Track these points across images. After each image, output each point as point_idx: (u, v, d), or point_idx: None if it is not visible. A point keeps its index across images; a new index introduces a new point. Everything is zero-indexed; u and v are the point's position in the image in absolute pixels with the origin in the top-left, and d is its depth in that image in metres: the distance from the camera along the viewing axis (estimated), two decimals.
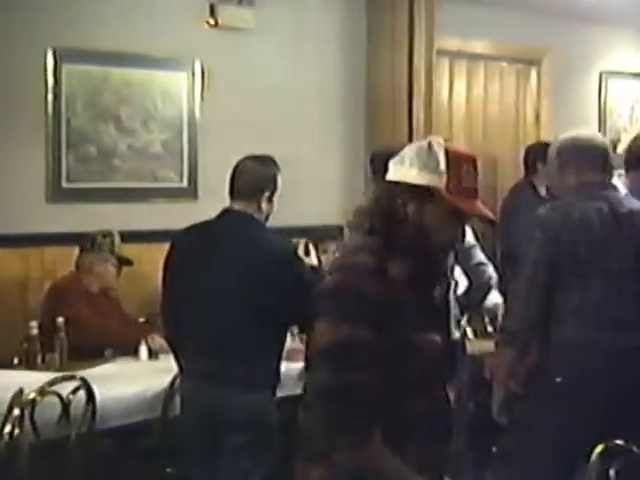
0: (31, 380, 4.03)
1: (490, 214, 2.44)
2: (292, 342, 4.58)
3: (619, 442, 2.91)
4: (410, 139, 6.42)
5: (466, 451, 4.79)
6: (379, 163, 4.55)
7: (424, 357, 2.36)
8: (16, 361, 4.69)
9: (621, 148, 8.69)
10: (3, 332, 4.98)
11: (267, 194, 3.95)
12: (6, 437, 3.65)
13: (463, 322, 5.01)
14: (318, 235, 5.78)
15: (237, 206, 3.93)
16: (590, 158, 3.81)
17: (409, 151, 2.44)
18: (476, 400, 4.97)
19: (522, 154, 6.86)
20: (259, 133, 6.08)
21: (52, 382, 3.90)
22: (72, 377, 4.04)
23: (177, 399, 4.16)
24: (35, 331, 4.64)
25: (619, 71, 8.64)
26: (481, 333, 5.94)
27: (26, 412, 3.73)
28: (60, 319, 4.65)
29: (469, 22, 7.18)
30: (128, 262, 5.27)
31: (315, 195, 6.55)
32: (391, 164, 2.48)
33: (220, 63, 6.12)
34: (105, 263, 5.17)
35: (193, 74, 6.07)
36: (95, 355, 4.81)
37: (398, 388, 2.32)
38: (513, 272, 3.95)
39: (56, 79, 5.58)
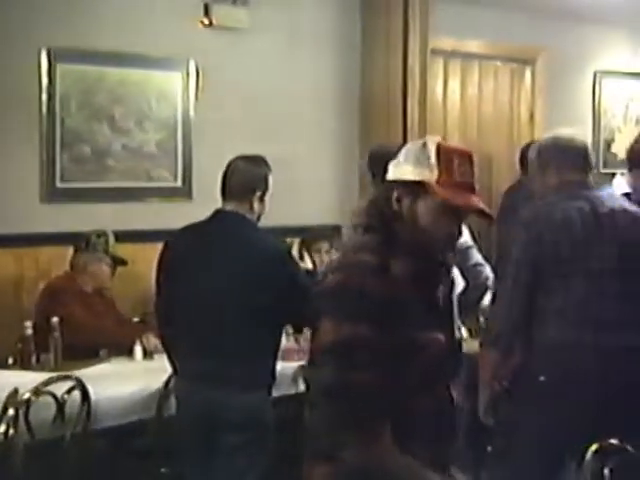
0: (26, 380, 4.03)
1: (484, 207, 2.44)
2: (287, 342, 4.58)
3: (613, 441, 2.91)
4: (404, 139, 6.42)
5: (465, 450, 4.79)
6: (376, 162, 4.56)
7: (428, 356, 2.37)
8: (11, 361, 4.69)
9: (615, 147, 8.73)
10: None
11: (259, 194, 3.95)
12: (1, 437, 3.64)
13: (459, 322, 5.01)
14: (312, 235, 5.79)
15: (229, 207, 3.94)
16: (571, 158, 3.81)
17: (405, 150, 2.47)
18: (471, 399, 4.97)
19: (517, 153, 6.88)
20: (253, 133, 6.09)
21: (47, 382, 3.90)
22: (67, 377, 4.04)
23: (172, 399, 4.16)
24: (30, 331, 4.64)
25: (613, 71, 8.65)
26: (476, 333, 5.94)
27: (21, 412, 3.73)
28: (55, 319, 4.65)
29: (463, 22, 7.19)
30: (122, 262, 5.27)
31: (309, 195, 6.56)
32: (390, 165, 2.50)
33: (215, 63, 6.12)
34: (99, 263, 5.17)
35: (187, 74, 6.07)
36: (90, 355, 4.80)
37: (402, 386, 2.33)
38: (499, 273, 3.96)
39: (50, 79, 5.58)
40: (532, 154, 3.99)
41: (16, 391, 3.77)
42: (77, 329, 4.76)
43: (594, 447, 2.89)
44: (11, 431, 3.66)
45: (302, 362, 4.61)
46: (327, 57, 6.71)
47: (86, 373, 4.32)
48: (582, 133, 3.97)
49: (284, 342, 4.27)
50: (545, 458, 3.62)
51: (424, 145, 2.42)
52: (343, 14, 6.75)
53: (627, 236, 3.72)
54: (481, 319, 6.00)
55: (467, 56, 7.65)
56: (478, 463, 4.79)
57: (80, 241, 5.19)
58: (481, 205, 2.43)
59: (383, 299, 2.30)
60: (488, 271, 4.76)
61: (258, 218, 3.98)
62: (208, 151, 5.91)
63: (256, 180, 3.96)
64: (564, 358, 3.62)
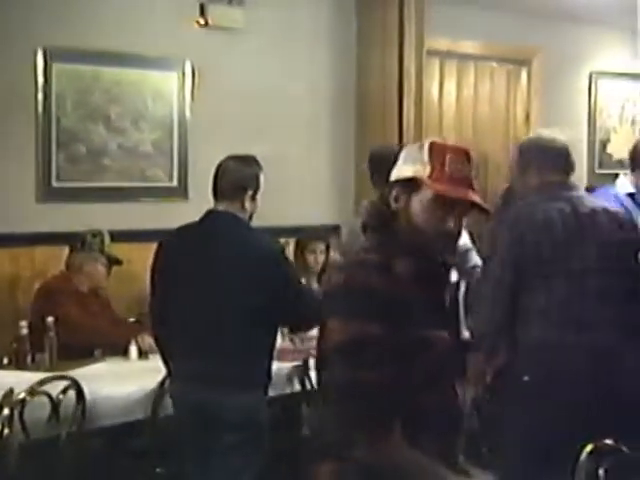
0: (21, 380, 4.02)
1: (478, 200, 2.44)
2: (282, 342, 4.59)
3: (608, 442, 2.91)
4: (400, 139, 6.43)
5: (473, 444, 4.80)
6: (377, 162, 4.57)
7: (433, 354, 2.39)
8: (6, 361, 4.68)
9: (610, 148, 8.74)
10: None
11: (250, 193, 3.95)
12: None
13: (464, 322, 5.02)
14: (307, 235, 5.80)
15: (221, 206, 3.94)
16: (552, 158, 3.82)
17: (403, 152, 2.52)
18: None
19: None
20: (249, 133, 6.09)
21: (42, 382, 3.89)
22: (62, 377, 4.04)
23: (167, 399, 4.16)
24: (25, 331, 4.63)
25: (609, 71, 8.66)
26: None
27: (16, 412, 3.72)
28: (50, 319, 4.65)
29: (459, 22, 7.20)
30: (117, 262, 5.27)
31: (305, 195, 6.56)
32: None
33: (210, 63, 6.12)
34: (95, 263, 5.17)
35: (183, 73, 6.07)
36: (85, 355, 4.80)
37: (408, 384, 2.34)
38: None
39: (46, 78, 5.58)
40: (513, 155, 4.00)
41: (11, 391, 3.76)
42: (72, 329, 4.75)
43: (589, 447, 2.90)
44: (6, 431, 3.66)
45: (297, 362, 4.62)
46: (323, 57, 6.71)
47: (81, 373, 4.32)
48: (570, 134, 3.98)
49: (279, 342, 4.27)
50: (530, 458, 3.62)
51: (420, 145, 2.47)
52: (339, 15, 6.75)
53: (608, 236, 3.74)
54: None
55: (463, 57, 7.65)
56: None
57: (76, 241, 5.19)
58: (475, 198, 2.43)
59: (388, 297, 2.32)
60: None
61: (250, 217, 3.98)
62: (204, 151, 5.90)
63: (247, 179, 3.96)
64: (547, 358, 3.63)
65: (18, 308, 5.25)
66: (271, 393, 4.05)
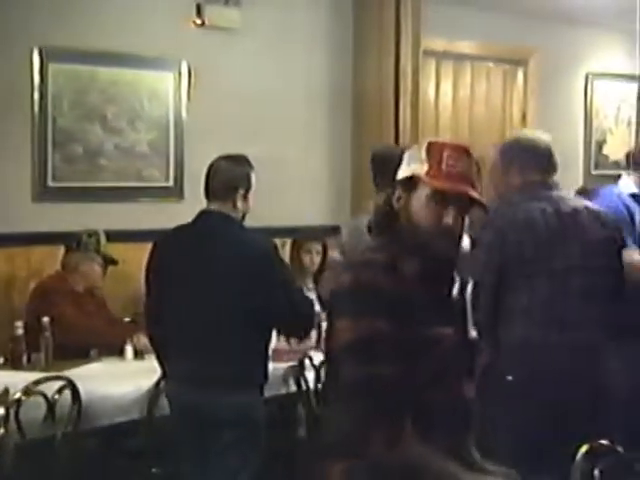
0: (16, 380, 4.02)
1: (473, 194, 2.47)
2: (277, 342, 4.58)
3: (604, 442, 2.92)
4: (396, 139, 6.44)
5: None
6: (379, 163, 4.56)
7: (439, 351, 2.43)
8: (1, 361, 4.67)
9: (606, 149, 8.75)
10: None
11: (241, 192, 3.94)
12: None
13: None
14: (304, 235, 5.79)
15: (213, 206, 3.95)
16: (534, 158, 3.83)
17: (406, 153, 2.59)
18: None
19: None
20: (245, 133, 6.09)
21: (37, 382, 3.89)
22: (58, 377, 4.03)
23: (163, 399, 4.16)
24: (20, 331, 4.62)
25: (605, 73, 8.68)
26: None
27: (11, 412, 3.72)
28: (45, 319, 4.64)
29: (456, 22, 7.21)
30: (113, 262, 5.26)
31: (301, 195, 6.57)
32: None
33: (207, 63, 6.12)
34: (91, 263, 5.16)
35: (180, 74, 6.07)
36: (81, 355, 4.79)
37: (416, 381, 2.37)
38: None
39: (42, 78, 5.58)
40: (496, 154, 4.01)
41: (7, 391, 3.76)
42: (68, 329, 4.75)
43: (584, 448, 2.90)
44: (1, 431, 3.64)
45: (292, 363, 4.61)
46: (319, 57, 6.71)
47: (77, 373, 4.32)
48: (547, 136, 3.98)
49: (274, 342, 4.27)
50: (514, 458, 3.62)
51: (420, 146, 2.52)
52: (335, 15, 6.75)
53: (590, 235, 3.76)
54: None
55: (459, 57, 7.66)
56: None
57: (71, 241, 5.18)
58: (472, 193, 2.46)
59: (394, 295, 2.37)
60: None
61: (243, 217, 3.98)
62: (200, 151, 5.88)
63: (238, 178, 3.96)
64: (531, 358, 3.64)
65: (14, 308, 5.25)
66: (266, 393, 4.04)
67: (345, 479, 2.38)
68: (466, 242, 4.54)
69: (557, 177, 3.88)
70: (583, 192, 5.77)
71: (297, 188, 6.53)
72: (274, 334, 4.18)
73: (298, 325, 4.04)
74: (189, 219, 4.01)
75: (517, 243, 3.66)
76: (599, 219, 3.82)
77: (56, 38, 5.59)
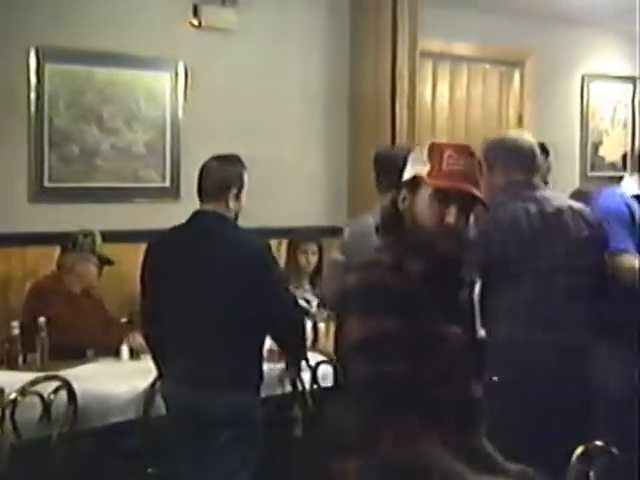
0: (12, 380, 4.02)
1: (473, 191, 2.50)
2: (271, 342, 4.58)
3: (599, 443, 2.92)
4: (393, 141, 6.44)
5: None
6: (382, 163, 4.55)
7: (446, 349, 2.46)
8: None
9: (603, 150, 8.76)
10: None
11: (234, 191, 3.95)
12: None
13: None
14: (300, 236, 5.80)
15: (207, 207, 3.96)
16: (517, 158, 3.84)
17: (410, 155, 2.63)
18: None
19: None
20: (242, 134, 6.09)
21: (33, 382, 3.89)
22: (54, 377, 4.03)
23: (159, 399, 4.16)
24: (16, 331, 4.63)
25: (601, 74, 8.69)
26: None
27: (7, 412, 3.72)
28: (42, 319, 4.64)
29: (452, 24, 7.21)
30: (109, 262, 5.25)
31: (297, 196, 6.57)
32: None
33: (203, 63, 6.12)
34: (87, 263, 5.16)
35: (176, 74, 6.07)
36: (77, 355, 4.79)
37: (424, 379, 2.40)
38: None
39: (39, 78, 5.57)
40: (480, 154, 4.01)
41: (2, 391, 3.76)
42: (64, 329, 4.74)
43: (580, 449, 2.90)
44: None
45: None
46: (316, 58, 6.71)
47: (73, 373, 4.31)
48: (528, 137, 4.00)
49: (268, 343, 4.27)
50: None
51: (423, 148, 2.57)
52: (332, 16, 6.75)
53: (574, 234, 3.77)
54: None
55: (456, 58, 7.67)
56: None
57: (67, 241, 5.18)
58: (473, 190, 2.50)
59: (402, 294, 2.41)
60: None
61: (236, 216, 3.99)
62: (196, 152, 5.85)
63: (231, 178, 3.96)
64: (516, 358, 3.64)
65: (10, 308, 5.24)
66: (262, 394, 4.05)
67: (354, 477, 2.40)
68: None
69: (553, 178, 3.89)
70: (578, 194, 5.77)
71: (293, 189, 6.53)
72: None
73: (283, 328, 4.02)
74: (185, 220, 4.01)
75: (501, 243, 3.67)
76: (583, 218, 3.84)
77: (53, 38, 5.59)
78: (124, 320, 5.33)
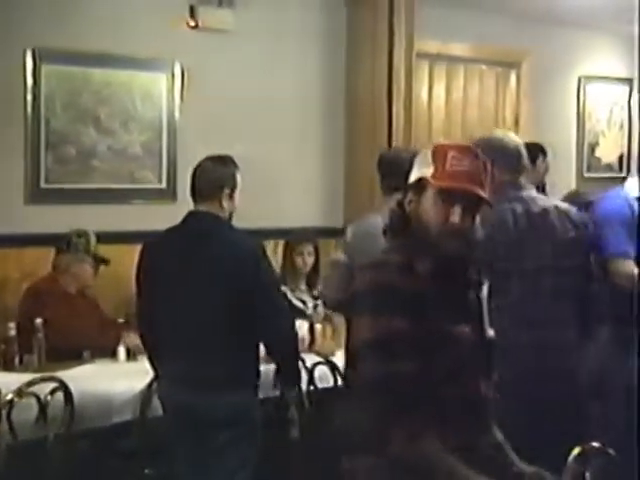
0: (9, 381, 4.02)
1: (477, 190, 2.53)
2: None
3: (595, 444, 2.92)
4: (389, 142, 6.44)
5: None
6: (387, 166, 4.55)
7: (454, 348, 2.50)
8: None
9: (599, 152, 8.77)
10: None
11: (227, 191, 3.96)
12: None
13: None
14: (296, 237, 5.79)
15: (200, 207, 3.97)
16: (503, 158, 3.83)
17: (416, 158, 2.67)
18: None
19: None
20: (238, 134, 6.09)
21: (30, 383, 3.89)
22: (50, 378, 4.03)
23: (156, 399, 4.16)
24: (13, 332, 4.63)
25: (598, 75, 8.70)
26: None
27: (3, 413, 3.72)
28: (38, 320, 4.64)
29: (449, 25, 7.21)
30: (104, 261, 5.25)
31: (293, 197, 6.56)
32: None
33: (200, 64, 6.12)
34: (82, 263, 5.15)
35: (173, 75, 6.06)
36: (73, 356, 4.79)
37: (433, 378, 2.44)
38: None
39: (35, 79, 5.57)
40: None
41: None
42: (60, 330, 4.74)
43: (576, 450, 2.90)
44: None
45: None
46: (312, 59, 6.71)
47: (69, 374, 4.31)
48: (514, 137, 4.01)
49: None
50: None
51: (428, 150, 2.62)
52: (329, 16, 6.76)
53: (560, 235, 3.78)
54: None
55: (452, 59, 7.67)
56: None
57: (62, 242, 5.18)
58: (477, 190, 2.53)
59: (411, 294, 2.45)
60: None
61: (230, 217, 3.99)
62: (193, 153, 5.85)
63: (223, 178, 3.98)
64: (503, 358, 3.65)
65: (6, 309, 5.23)
66: (259, 395, 4.05)
67: (365, 476, 2.45)
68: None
69: (550, 179, 3.90)
70: (575, 195, 5.78)
71: (289, 190, 6.53)
72: None
73: (273, 330, 3.99)
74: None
75: (487, 243, 3.68)
76: (569, 219, 3.85)
77: (49, 39, 5.58)
78: (121, 321, 5.33)
